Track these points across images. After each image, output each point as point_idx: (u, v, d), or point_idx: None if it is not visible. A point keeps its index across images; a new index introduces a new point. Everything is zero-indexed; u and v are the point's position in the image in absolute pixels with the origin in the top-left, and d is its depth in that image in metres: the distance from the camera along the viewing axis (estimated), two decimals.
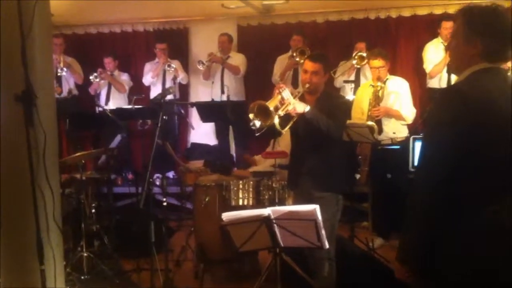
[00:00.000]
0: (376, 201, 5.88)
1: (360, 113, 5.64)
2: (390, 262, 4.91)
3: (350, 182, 4.18)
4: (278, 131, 3.86)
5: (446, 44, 7.10)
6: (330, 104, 3.96)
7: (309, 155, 3.97)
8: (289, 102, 3.74)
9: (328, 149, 3.93)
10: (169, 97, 7.33)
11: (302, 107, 3.78)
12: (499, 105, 2.13)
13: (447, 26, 7.07)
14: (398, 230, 4.63)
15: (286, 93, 3.78)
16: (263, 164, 5.59)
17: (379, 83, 5.56)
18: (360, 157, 5.98)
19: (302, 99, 3.94)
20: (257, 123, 3.68)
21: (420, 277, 2.18)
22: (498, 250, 2.09)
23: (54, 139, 3.02)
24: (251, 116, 3.68)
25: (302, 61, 7.15)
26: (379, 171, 5.66)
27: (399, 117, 5.57)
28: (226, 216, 3.08)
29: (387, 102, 5.58)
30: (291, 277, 3.92)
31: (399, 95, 5.60)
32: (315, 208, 2.92)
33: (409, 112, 5.61)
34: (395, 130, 5.59)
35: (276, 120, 3.72)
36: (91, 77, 8.02)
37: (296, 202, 4.03)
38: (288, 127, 3.87)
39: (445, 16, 7.31)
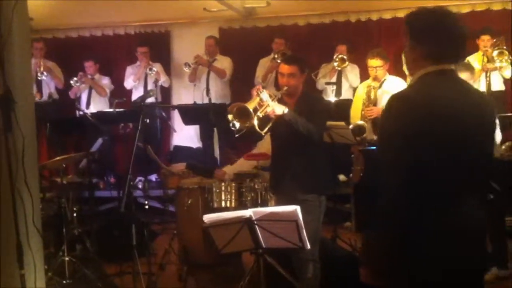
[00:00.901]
0: (359, 201, 5.90)
1: (357, 112, 5.66)
2: None
3: (333, 184, 4.19)
4: (259, 133, 3.86)
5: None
6: (310, 105, 3.97)
7: (291, 158, 3.97)
8: (268, 104, 3.77)
9: (310, 151, 3.93)
10: (151, 100, 7.32)
11: (280, 109, 3.79)
12: (448, 106, 2.14)
13: None
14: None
15: (265, 95, 3.81)
16: (244, 165, 5.57)
17: (373, 83, 5.59)
18: (352, 155, 6.00)
19: (282, 102, 3.95)
20: (237, 124, 3.70)
21: (388, 280, 2.17)
22: (461, 250, 2.12)
23: (33, 144, 3.00)
24: (230, 117, 3.70)
25: None
26: (367, 171, 5.67)
27: None
28: (208, 218, 3.08)
29: (381, 102, 5.57)
30: (275, 279, 3.92)
31: None
32: (295, 209, 2.93)
33: None
34: None
35: (255, 122, 3.73)
36: (71, 82, 7.96)
37: (279, 204, 4.02)
38: (267, 129, 3.88)
39: None
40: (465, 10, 7.82)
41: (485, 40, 6.94)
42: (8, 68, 2.87)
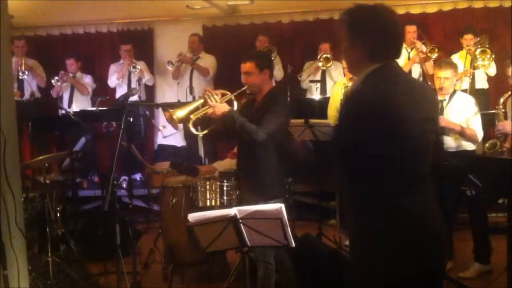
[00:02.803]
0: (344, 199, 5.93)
1: (335, 111, 5.68)
2: None
3: (282, 189, 4.11)
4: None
5: (409, 49, 7.24)
6: (270, 105, 3.85)
7: (245, 158, 3.95)
8: (210, 105, 3.75)
9: (260, 153, 3.84)
10: (134, 98, 7.28)
11: (221, 110, 3.77)
12: (397, 99, 2.16)
13: (410, 30, 7.19)
14: None
15: (211, 96, 3.80)
16: (232, 163, 5.56)
17: (349, 84, 5.61)
18: None
19: (251, 101, 3.93)
20: (167, 131, 3.75)
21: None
22: (416, 239, 2.17)
23: (14, 143, 2.97)
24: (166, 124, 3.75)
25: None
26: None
27: None
28: (192, 216, 3.06)
29: None
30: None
31: None
32: (280, 206, 2.93)
33: None
34: None
35: (191, 123, 3.79)
36: (52, 81, 7.88)
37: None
38: (207, 130, 3.90)
39: (408, 21, 7.44)
40: (448, 8, 7.90)
41: (468, 39, 7.00)
42: None
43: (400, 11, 7.92)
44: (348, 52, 2.30)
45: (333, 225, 6.26)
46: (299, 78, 7.60)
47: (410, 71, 7.09)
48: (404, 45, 7.29)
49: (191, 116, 3.77)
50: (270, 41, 7.80)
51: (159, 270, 5.16)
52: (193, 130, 3.85)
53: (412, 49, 7.20)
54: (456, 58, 6.99)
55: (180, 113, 3.78)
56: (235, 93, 3.90)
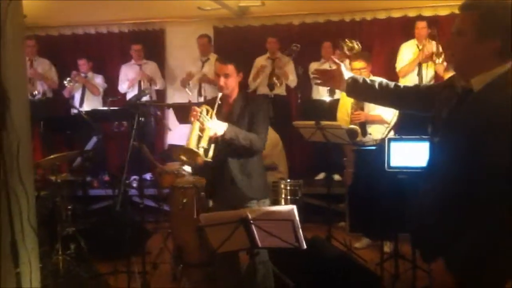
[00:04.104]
0: (353, 202, 5.92)
1: (345, 114, 5.65)
2: (367, 262, 4.98)
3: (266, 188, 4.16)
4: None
5: (420, 45, 7.23)
6: (252, 106, 3.83)
7: (230, 165, 3.83)
8: (207, 127, 3.59)
9: (247, 158, 3.85)
10: (145, 98, 7.29)
11: (221, 129, 3.63)
12: None
13: (421, 26, 7.21)
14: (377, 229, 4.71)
15: (202, 116, 3.62)
16: None
17: None
18: (345, 158, 6.01)
19: (219, 108, 3.76)
20: (187, 169, 3.59)
21: None
22: None
23: (27, 142, 2.98)
24: (179, 164, 3.57)
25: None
26: (359, 172, 5.67)
27: (380, 121, 5.49)
28: (204, 217, 3.07)
29: (368, 105, 5.59)
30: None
31: None
32: (292, 208, 2.92)
33: (391, 115, 5.43)
34: (377, 131, 5.57)
35: (201, 152, 3.57)
36: (64, 82, 7.92)
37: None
38: (211, 153, 3.66)
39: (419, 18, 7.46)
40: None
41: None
42: (2, 66, 2.83)
43: (411, 13, 7.90)
44: (472, 46, 2.08)
45: (343, 228, 6.24)
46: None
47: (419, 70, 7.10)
48: (416, 42, 7.29)
49: (201, 146, 3.57)
50: (279, 43, 7.80)
51: (168, 270, 5.17)
52: (207, 159, 3.62)
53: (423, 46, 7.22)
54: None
55: (193, 149, 3.55)
56: (217, 104, 3.70)
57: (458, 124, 2.13)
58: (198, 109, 3.66)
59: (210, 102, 3.80)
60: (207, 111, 3.67)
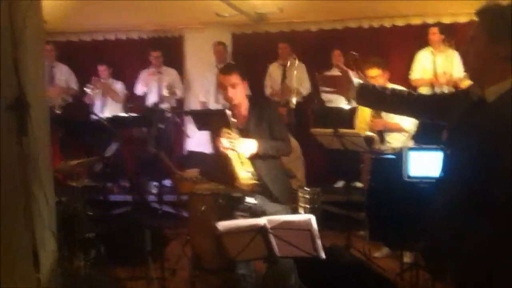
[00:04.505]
0: (371, 210, 5.89)
1: (363, 123, 5.63)
2: (386, 271, 4.94)
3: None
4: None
5: (436, 51, 7.19)
6: (267, 112, 3.80)
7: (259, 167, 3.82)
8: (242, 151, 3.60)
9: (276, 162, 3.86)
10: (165, 105, 7.35)
11: (253, 147, 3.62)
12: None
13: (432, 32, 7.19)
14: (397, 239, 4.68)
15: (234, 143, 3.60)
16: None
17: None
18: (362, 165, 5.99)
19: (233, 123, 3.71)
20: (252, 200, 3.61)
21: None
22: None
23: (47, 147, 3.02)
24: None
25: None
26: (376, 180, 5.65)
27: (399, 130, 5.46)
28: (222, 225, 3.08)
29: (387, 113, 5.57)
30: (286, 286, 3.94)
31: None
32: (310, 218, 2.93)
33: (409, 124, 5.44)
34: (395, 140, 5.56)
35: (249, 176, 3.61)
36: (86, 89, 7.99)
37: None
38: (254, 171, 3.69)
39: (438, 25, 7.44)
40: None
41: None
42: (22, 72, 2.88)
43: (430, 20, 7.85)
44: (484, 52, 2.06)
45: (362, 236, 6.20)
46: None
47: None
48: (431, 49, 7.24)
49: (247, 171, 3.63)
50: (291, 48, 7.80)
51: (186, 277, 5.18)
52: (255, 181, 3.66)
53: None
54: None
55: (246, 179, 3.62)
56: (231, 122, 3.66)
57: (471, 134, 2.11)
58: (223, 140, 3.60)
59: (219, 119, 3.71)
60: (227, 133, 3.61)
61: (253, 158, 3.68)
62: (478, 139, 2.07)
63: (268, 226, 2.97)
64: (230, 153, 3.59)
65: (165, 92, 7.90)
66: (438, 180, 2.34)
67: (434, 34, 7.19)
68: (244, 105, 3.83)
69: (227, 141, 3.58)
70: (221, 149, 3.62)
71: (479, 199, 2.00)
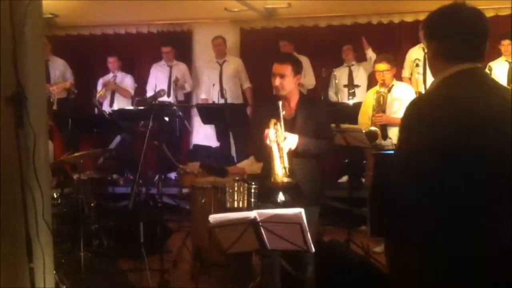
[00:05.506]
0: (373, 205, 5.87)
1: (366, 118, 5.63)
2: (385, 266, 4.93)
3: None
4: None
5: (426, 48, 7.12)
6: (316, 112, 3.79)
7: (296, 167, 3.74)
8: (282, 146, 3.55)
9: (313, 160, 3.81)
10: (169, 99, 7.40)
11: (294, 142, 3.56)
12: (474, 109, 1.97)
13: (421, 27, 7.11)
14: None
15: (273, 134, 3.55)
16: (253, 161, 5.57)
17: (382, 89, 5.57)
18: (365, 162, 5.99)
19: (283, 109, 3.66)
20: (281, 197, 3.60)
21: None
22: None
23: (44, 140, 3.06)
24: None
25: None
26: (378, 176, 5.64)
27: None
28: (213, 218, 3.12)
29: (390, 109, 5.54)
30: (285, 278, 3.96)
31: (403, 102, 5.54)
32: (300, 211, 2.94)
33: None
34: (397, 135, 5.53)
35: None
36: (97, 94, 7.93)
37: None
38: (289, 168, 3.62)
39: None
40: (489, 14, 7.70)
41: (505, 45, 6.85)
42: (21, 65, 2.91)
43: None
44: (428, 52, 2.20)
45: (363, 232, 6.20)
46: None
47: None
48: (422, 45, 7.15)
49: (285, 167, 3.57)
50: (293, 46, 7.81)
51: (187, 269, 5.24)
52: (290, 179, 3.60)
53: None
54: (496, 65, 6.86)
55: (281, 176, 3.58)
56: (281, 115, 3.60)
57: None
58: (270, 131, 3.55)
59: (270, 110, 3.67)
60: (274, 124, 3.58)
61: (292, 154, 3.65)
62: None
63: (259, 219, 3.00)
64: (273, 146, 3.56)
65: (173, 86, 7.94)
66: None
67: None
68: (293, 99, 3.79)
69: (273, 133, 3.56)
70: (267, 141, 3.57)
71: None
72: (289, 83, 3.70)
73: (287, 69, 3.68)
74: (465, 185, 1.95)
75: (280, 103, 3.61)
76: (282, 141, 3.54)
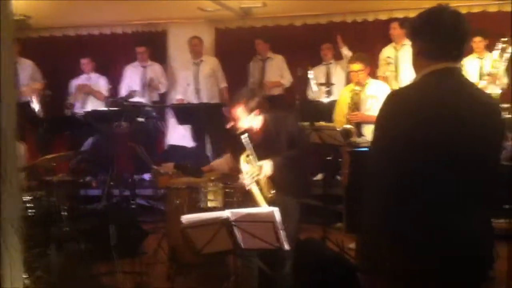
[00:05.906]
0: (349, 202, 5.90)
1: (341, 116, 5.67)
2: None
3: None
4: None
5: (398, 46, 7.20)
6: (285, 125, 3.79)
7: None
8: (259, 178, 3.66)
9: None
10: (142, 99, 7.34)
11: (269, 168, 3.64)
12: (446, 107, 2.05)
13: (393, 27, 7.20)
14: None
15: (247, 168, 3.64)
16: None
17: (357, 88, 5.59)
18: (340, 160, 6.01)
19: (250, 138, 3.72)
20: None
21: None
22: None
23: (12, 142, 2.99)
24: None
25: None
26: (353, 173, 5.67)
27: None
28: (186, 218, 3.09)
29: (365, 106, 5.59)
30: (260, 278, 3.94)
31: (378, 100, 5.58)
32: (273, 210, 2.93)
33: None
34: (371, 133, 5.56)
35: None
36: (69, 101, 7.89)
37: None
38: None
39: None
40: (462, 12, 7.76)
41: (476, 42, 6.92)
42: None
43: (413, 14, 7.79)
44: (412, 50, 2.27)
45: (339, 229, 6.22)
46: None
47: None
48: (394, 44, 7.20)
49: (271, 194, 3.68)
50: (269, 45, 7.89)
51: (163, 271, 5.18)
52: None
53: None
54: (468, 62, 6.93)
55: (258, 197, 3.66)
56: (248, 149, 3.71)
57: None
58: (243, 166, 3.62)
59: (237, 143, 3.72)
60: (247, 156, 3.64)
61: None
62: None
63: (231, 218, 2.98)
64: (253, 188, 3.64)
65: (147, 86, 7.88)
66: None
67: (395, 29, 7.21)
68: (257, 122, 3.81)
69: (249, 175, 3.61)
70: (246, 187, 3.65)
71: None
72: (245, 120, 3.72)
73: (238, 110, 3.71)
74: (439, 179, 2.04)
75: (246, 135, 3.64)
76: (257, 174, 3.60)
